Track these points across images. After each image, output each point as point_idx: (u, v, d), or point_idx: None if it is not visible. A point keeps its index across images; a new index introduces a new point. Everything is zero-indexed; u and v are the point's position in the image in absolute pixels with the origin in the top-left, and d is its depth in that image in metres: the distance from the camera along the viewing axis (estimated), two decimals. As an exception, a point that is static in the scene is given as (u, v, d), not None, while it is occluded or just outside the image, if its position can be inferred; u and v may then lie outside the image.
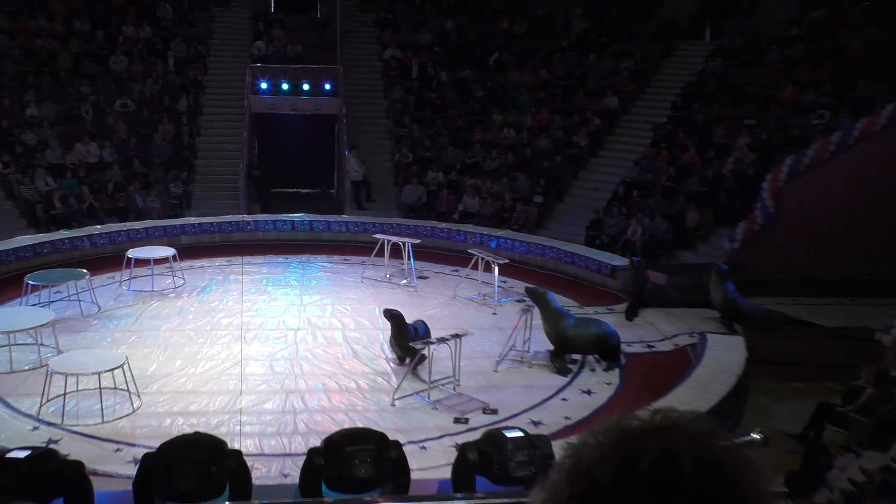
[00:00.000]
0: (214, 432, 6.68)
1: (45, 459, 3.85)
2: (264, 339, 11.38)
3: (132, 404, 9.12)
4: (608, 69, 21.83)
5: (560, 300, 11.38)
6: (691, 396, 9.00)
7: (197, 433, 4.41)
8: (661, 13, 24.15)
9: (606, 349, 10.74)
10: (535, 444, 5.71)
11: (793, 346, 11.54)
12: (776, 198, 14.91)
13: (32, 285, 11.89)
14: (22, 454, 3.69)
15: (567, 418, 9.19)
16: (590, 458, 1.17)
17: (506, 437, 5.51)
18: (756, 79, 19.41)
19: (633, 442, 1.17)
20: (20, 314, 10.89)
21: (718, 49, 21.41)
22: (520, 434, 5.66)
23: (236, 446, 6.89)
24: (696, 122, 19.10)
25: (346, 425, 8.35)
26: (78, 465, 4.77)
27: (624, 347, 11.38)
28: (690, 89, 20.34)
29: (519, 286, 13.66)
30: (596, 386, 10.16)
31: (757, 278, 14.07)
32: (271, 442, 8.54)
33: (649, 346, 11.59)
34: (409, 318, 12.24)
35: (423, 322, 10.82)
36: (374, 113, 22.01)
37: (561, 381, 10.23)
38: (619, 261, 14.53)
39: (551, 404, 9.60)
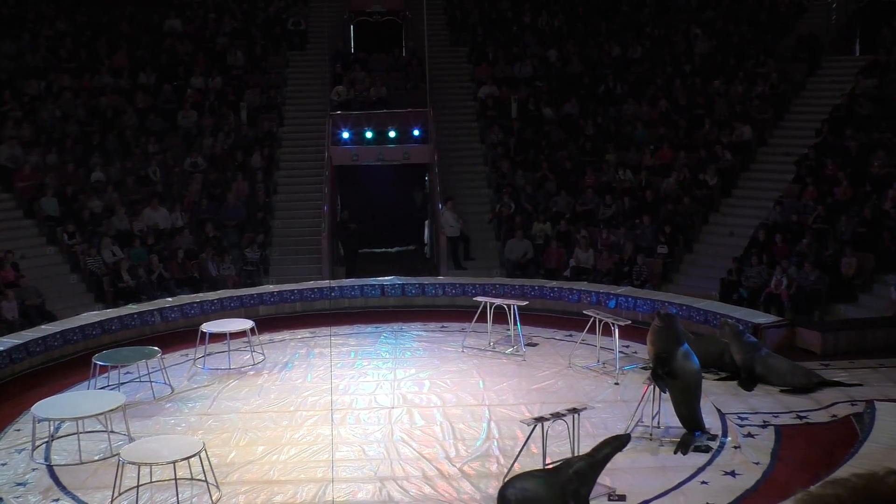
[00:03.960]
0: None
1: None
2: (354, 419, 11.60)
3: (211, 496, 9.41)
4: (739, 95, 21.70)
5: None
6: (859, 477, 8.73)
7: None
8: (799, 27, 23.93)
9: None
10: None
11: None
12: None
13: (101, 366, 12.42)
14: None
15: (708, 505, 9.05)
16: None
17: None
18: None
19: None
20: (88, 398, 11.38)
21: (872, 64, 21.05)
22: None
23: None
24: (848, 151, 18.75)
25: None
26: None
27: (770, 419, 11.16)
28: (839, 113, 20.03)
29: (643, 350, 13.55)
30: (741, 466, 9.95)
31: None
32: (366, 537, 8.68)
33: (800, 417, 11.30)
34: (517, 394, 12.32)
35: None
36: (470, 159, 22.42)
37: (699, 460, 10.06)
38: (763, 318, 14.28)
39: (688, 488, 9.44)
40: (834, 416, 11.24)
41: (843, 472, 9.01)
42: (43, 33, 23.64)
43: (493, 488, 9.47)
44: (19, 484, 9.94)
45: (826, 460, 9.76)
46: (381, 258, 22.14)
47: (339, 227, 21.65)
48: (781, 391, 12.05)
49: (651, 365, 10.63)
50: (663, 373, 10.26)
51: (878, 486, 1.18)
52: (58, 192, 19.32)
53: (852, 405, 11.31)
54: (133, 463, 9.25)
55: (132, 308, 15.93)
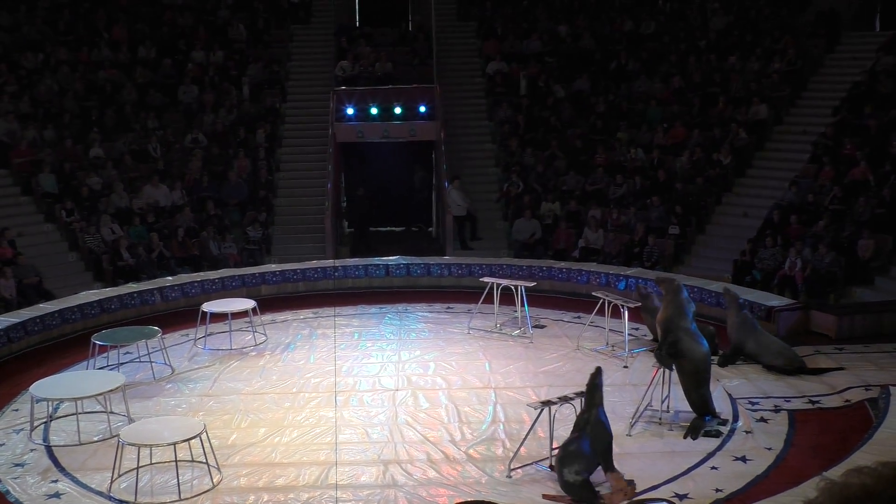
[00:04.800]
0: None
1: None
2: (358, 401, 11.66)
3: (212, 479, 9.48)
4: (755, 72, 21.63)
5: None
6: (872, 464, 8.76)
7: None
8: (818, 1, 23.82)
9: None
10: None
11: None
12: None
13: (100, 345, 12.49)
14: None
15: (718, 490, 9.09)
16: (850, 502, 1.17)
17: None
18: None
19: None
20: (87, 378, 11.44)
21: (893, 40, 20.99)
22: (665, 506, 5.69)
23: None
24: (867, 130, 18.71)
25: (457, 500, 8.51)
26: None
27: (781, 403, 11.21)
28: (858, 90, 19.97)
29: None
30: (752, 451, 10.00)
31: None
32: (369, 520, 8.76)
33: (813, 402, 11.33)
34: (524, 377, 12.36)
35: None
36: (477, 137, 22.40)
37: (709, 445, 10.12)
38: (776, 300, 14.31)
39: (698, 474, 9.49)
40: (847, 401, 11.27)
41: (858, 458, 9.07)
42: (40, 4, 23.62)
43: (499, 472, 9.54)
44: (17, 465, 10.03)
45: (839, 446, 9.79)
46: (386, 237, 22.18)
47: (354, 203, 21.71)
48: (764, 367, 12.22)
49: (659, 346, 10.67)
50: (668, 353, 10.28)
51: None
52: (56, 168, 19.37)
53: (866, 390, 11.32)
54: (133, 444, 9.32)
55: (132, 287, 16.00)
